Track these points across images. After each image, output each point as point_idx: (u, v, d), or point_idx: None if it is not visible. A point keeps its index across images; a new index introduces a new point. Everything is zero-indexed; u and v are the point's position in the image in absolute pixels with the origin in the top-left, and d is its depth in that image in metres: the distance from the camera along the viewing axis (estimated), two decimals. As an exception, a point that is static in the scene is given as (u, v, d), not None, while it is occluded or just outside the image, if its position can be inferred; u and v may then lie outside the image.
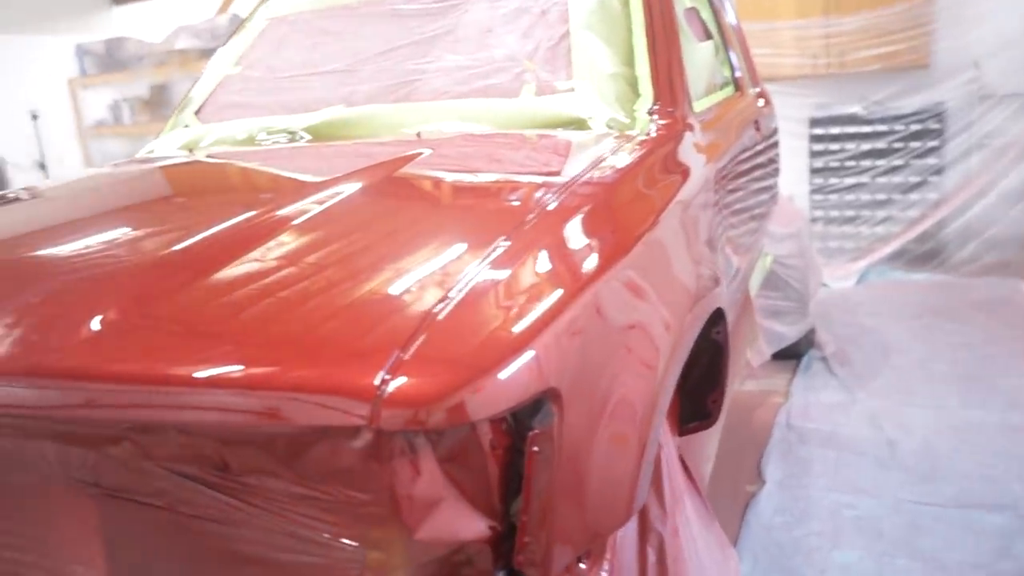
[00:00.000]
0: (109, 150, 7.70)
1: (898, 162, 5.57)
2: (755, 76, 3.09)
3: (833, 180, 5.79)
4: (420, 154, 1.46)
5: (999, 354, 3.94)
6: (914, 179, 5.56)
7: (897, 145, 5.56)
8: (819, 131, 5.79)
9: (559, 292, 0.94)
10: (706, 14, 2.49)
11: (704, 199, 1.62)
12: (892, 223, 5.65)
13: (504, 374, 0.81)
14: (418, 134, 1.70)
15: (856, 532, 2.59)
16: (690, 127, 1.79)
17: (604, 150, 1.45)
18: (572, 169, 1.30)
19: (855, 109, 5.67)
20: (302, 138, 1.80)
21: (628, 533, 1.07)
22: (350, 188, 1.26)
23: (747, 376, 3.50)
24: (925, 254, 5.53)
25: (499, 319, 0.87)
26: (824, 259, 5.74)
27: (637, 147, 1.52)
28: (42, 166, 7.49)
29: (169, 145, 2.02)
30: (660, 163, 1.47)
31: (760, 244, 2.97)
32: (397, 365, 0.80)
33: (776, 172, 3.16)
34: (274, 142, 1.83)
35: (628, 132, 1.64)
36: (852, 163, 5.72)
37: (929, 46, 5.40)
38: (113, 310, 0.92)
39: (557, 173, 1.30)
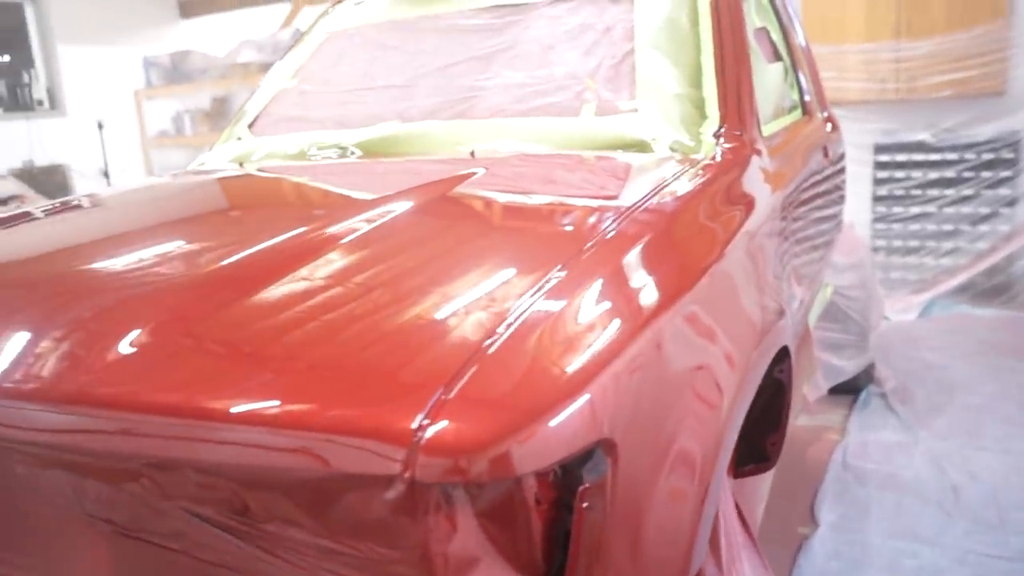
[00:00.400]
0: (170, 160, 7.87)
1: (968, 192, 5.36)
2: (823, 100, 2.98)
3: (897, 209, 5.60)
4: (473, 174, 1.41)
5: (1073, 398, 3.73)
6: (984, 210, 5.34)
7: (967, 175, 5.35)
8: (884, 158, 5.61)
9: (617, 329, 0.87)
10: (776, 34, 2.40)
11: (770, 228, 1.53)
12: (959, 255, 5.43)
13: (556, 422, 0.74)
14: (472, 152, 1.64)
15: (916, 584, 2.45)
16: (758, 152, 1.71)
17: (667, 174, 1.38)
18: (633, 194, 1.23)
19: (923, 136, 5.48)
20: (353, 154, 1.76)
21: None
22: (400, 207, 1.21)
23: (802, 411, 3.37)
24: (993, 288, 5.30)
25: (552, 359, 0.80)
26: (886, 291, 5.54)
27: (702, 172, 1.44)
28: (105, 174, 7.69)
29: (221, 157, 2.01)
30: (726, 190, 1.39)
31: (823, 275, 2.85)
32: (438, 407, 0.73)
33: (842, 199, 3.04)
34: (325, 157, 1.80)
35: (693, 156, 1.56)
36: (918, 192, 5.52)
37: (1006, 72, 5.19)
38: (144, 331, 0.88)
39: (616, 198, 1.23)
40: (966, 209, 5.39)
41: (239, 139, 2.08)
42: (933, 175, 5.44)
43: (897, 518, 2.84)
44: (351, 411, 0.73)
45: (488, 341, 0.81)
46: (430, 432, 0.71)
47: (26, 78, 8.27)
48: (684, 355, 0.95)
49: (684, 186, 1.32)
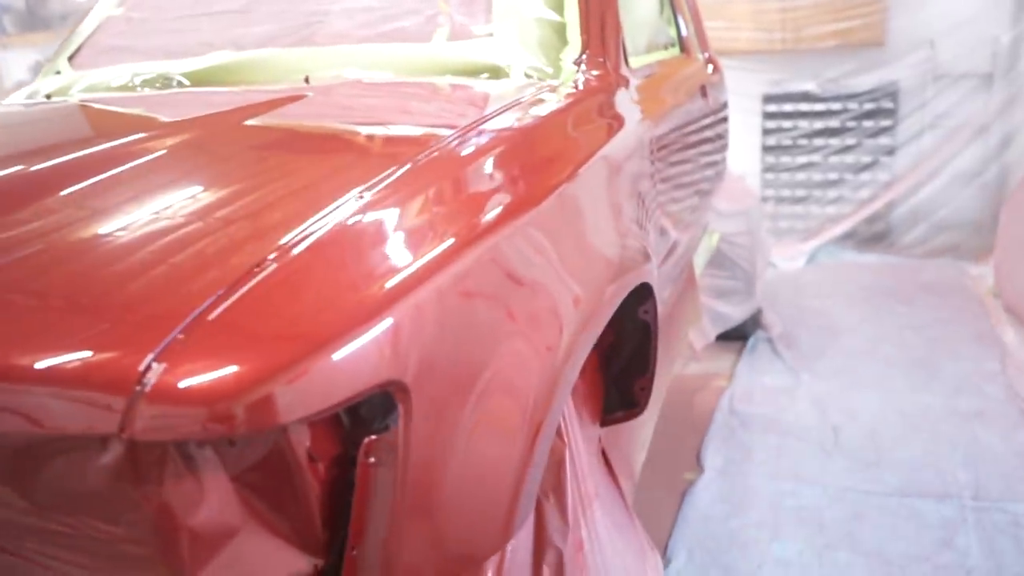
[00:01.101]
0: (33, 112, 7.24)
1: (851, 141, 5.47)
2: (704, 41, 2.92)
3: (785, 159, 5.68)
4: (296, 99, 1.25)
5: (947, 337, 3.86)
6: (866, 159, 5.47)
7: (850, 124, 5.46)
8: (772, 108, 5.66)
9: (422, 256, 0.74)
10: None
11: (637, 162, 1.43)
12: (843, 203, 5.56)
13: (329, 358, 0.61)
14: (306, 79, 1.48)
15: (797, 523, 2.47)
16: (624, 82, 1.60)
17: (516, 98, 1.25)
18: (468, 116, 1.10)
19: (809, 86, 5.55)
20: (180, 85, 1.57)
21: (519, 552, 0.88)
22: (187, 135, 1.04)
23: (690, 358, 3.36)
24: (875, 235, 5.46)
25: (332, 287, 0.67)
26: (774, 239, 5.64)
27: (556, 97, 1.32)
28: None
29: (35, 94, 1.77)
30: (582, 115, 1.28)
31: (704, 220, 2.81)
32: (176, 346, 0.59)
33: (724, 146, 3.00)
34: (148, 89, 1.60)
35: (551, 82, 1.45)
36: (805, 141, 5.61)
37: (884, 24, 5.29)
38: None
39: (449, 120, 1.10)
40: (849, 159, 5.51)
41: (58, 72, 1.85)
42: (819, 125, 5.54)
43: (779, 460, 2.86)
44: (68, 355, 0.58)
45: (257, 269, 0.67)
46: (156, 376, 0.57)
47: None
48: (509, 288, 0.83)
49: (533, 110, 1.20)
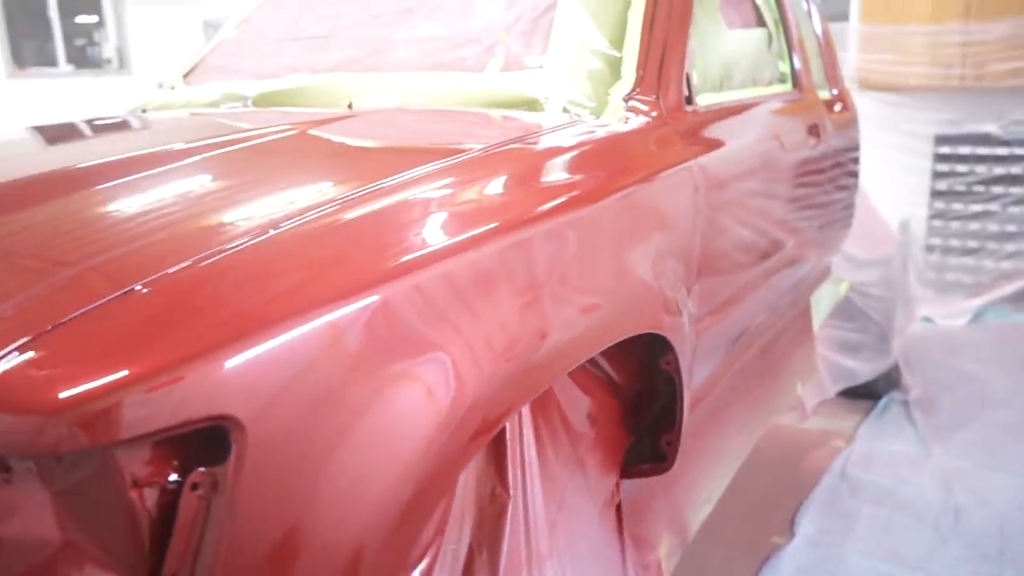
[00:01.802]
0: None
1: (1036, 191, 4.92)
2: (834, 77, 2.72)
3: (957, 206, 5.19)
4: (320, 123, 1.29)
5: (1120, 423, 3.37)
6: (1052, 212, 4.89)
7: (1036, 172, 4.91)
8: (945, 150, 5.20)
9: (292, 294, 0.73)
10: (763, 1, 2.18)
11: (673, 208, 1.35)
12: (1021, 259, 5.00)
13: (157, 382, 0.61)
14: (349, 105, 1.52)
15: (885, 611, 2.23)
16: (682, 119, 1.53)
17: (531, 133, 1.22)
18: (462, 148, 1.08)
19: (990, 128, 5.05)
20: (248, 105, 1.66)
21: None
22: (192, 154, 1.10)
23: (797, 413, 3.12)
24: (1056, 298, 4.86)
25: (172, 319, 0.67)
26: (936, 293, 5.16)
27: (585, 133, 1.28)
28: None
29: (147, 106, 1.94)
30: (607, 153, 1.23)
31: (818, 269, 2.61)
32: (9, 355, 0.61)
33: (850, 187, 2.78)
34: (228, 108, 1.71)
35: (591, 117, 1.40)
36: (981, 188, 5.10)
37: (1085, 61, 4.73)
38: None
39: (440, 153, 1.09)
40: (1033, 209, 4.95)
41: (172, 88, 2.02)
42: (998, 171, 5.02)
43: (884, 536, 2.60)
44: None
45: (120, 291, 0.68)
46: None
47: (97, 37, 8.53)
48: (387, 337, 0.78)
49: (540, 145, 1.16)
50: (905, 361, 4.02)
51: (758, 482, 2.97)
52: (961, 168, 5.15)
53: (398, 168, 0.99)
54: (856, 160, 2.82)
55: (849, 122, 2.74)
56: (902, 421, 3.47)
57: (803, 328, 2.87)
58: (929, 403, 3.61)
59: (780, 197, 1.96)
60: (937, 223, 5.28)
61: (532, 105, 1.42)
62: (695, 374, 1.62)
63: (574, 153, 1.17)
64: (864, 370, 3.40)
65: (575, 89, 1.44)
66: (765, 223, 1.86)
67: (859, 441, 3.28)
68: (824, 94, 2.65)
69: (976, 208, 5.12)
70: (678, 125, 1.49)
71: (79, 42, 8.50)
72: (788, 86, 2.28)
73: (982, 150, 5.07)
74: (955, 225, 5.21)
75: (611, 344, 1.15)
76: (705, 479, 1.92)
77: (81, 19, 8.44)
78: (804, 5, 2.62)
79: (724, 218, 1.61)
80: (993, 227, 5.08)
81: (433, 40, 1.66)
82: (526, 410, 1.10)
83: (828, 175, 2.43)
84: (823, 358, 3.24)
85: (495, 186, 1.00)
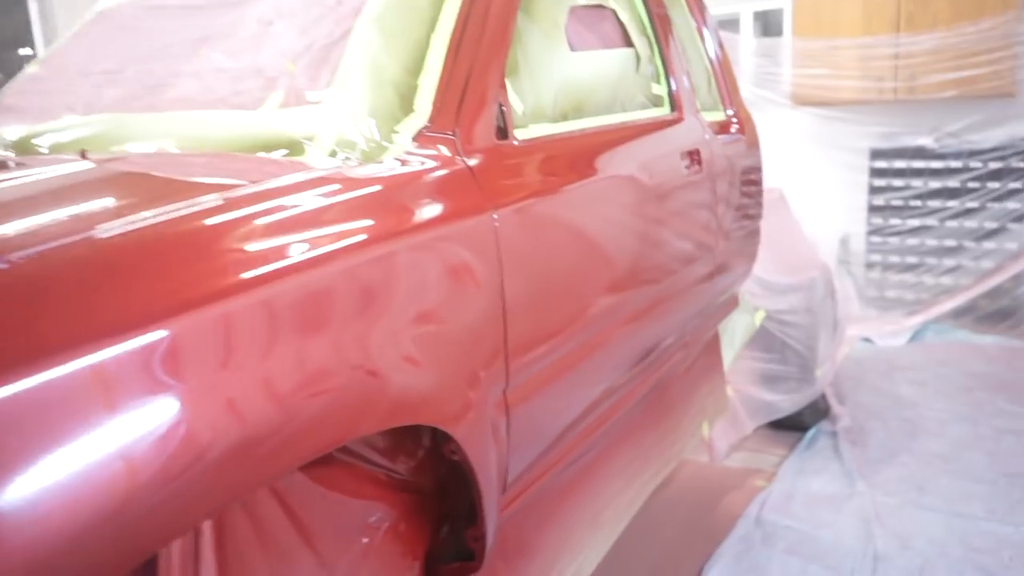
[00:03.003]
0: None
1: (972, 204, 4.79)
2: (730, 98, 2.54)
3: (895, 221, 5.06)
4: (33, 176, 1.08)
5: (1055, 450, 3.21)
6: (990, 225, 4.77)
7: (972, 185, 4.78)
8: (881, 164, 5.07)
9: None
10: (629, 16, 2.00)
11: (451, 263, 1.15)
12: (960, 274, 4.87)
13: None
14: (82, 153, 1.31)
15: None
16: (488, 157, 1.33)
17: (258, 181, 1.01)
18: (163, 206, 0.87)
19: (925, 141, 4.93)
20: (7, 150, 1.45)
21: None
22: None
23: (707, 456, 2.92)
24: (997, 313, 4.72)
25: None
26: (879, 310, 5.02)
27: (334, 182, 1.07)
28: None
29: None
30: (340, 209, 1.02)
31: (709, 301, 2.43)
32: None
33: (750, 212, 2.60)
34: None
35: (366, 159, 1.19)
36: (918, 203, 4.97)
37: (1016, 72, 4.62)
38: None
39: (119, 211, 0.88)
40: (970, 223, 4.82)
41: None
42: (935, 184, 4.89)
43: (795, 592, 2.40)
44: None
45: None
46: None
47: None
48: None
49: (260, 200, 0.96)
50: (836, 389, 3.86)
51: (667, 531, 2.77)
52: (897, 182, 5.03)
53: (50, 235, 0.79)
54: (755, 183, 2.64)
55: (746, 144, 2.56)
56: (829, 454, 3.28)
57: (708, 364, 2.68)
58: (858, 433, 3.43)
59: (641, 232, 1.77)
60: (876, 239, 5.15)
61: (292, 147, 1.21)
62: (523, 450, 1.42)
63: (296, 211, 0.96)
64: (785, 403, 3.22)
65: (354, 127, 1.24)
66: (622, 264, 1.67)
67: (780, 479, 3.08)
68: (717, 115, 2.47)
69: (914, 223, 4.99)
70: (481, 165, 1.29)
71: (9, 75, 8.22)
72: (664, 109, 2.10)
73: (917, 163, 4.95)
74: (894, 240, 5.08)
75: (352, 439, 0.95)
76: (570, 556, 1.71)
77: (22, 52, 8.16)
78: (691, 24, 2.45)
79: (551, 270, 1.41)
80: (931, 242, 4.95)
81: (218, 73, 1.45)
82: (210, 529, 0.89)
83: (718, 202, 2.24)
84: (739, 393, 3.05)
85: (177, 254, 0.80)
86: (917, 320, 4.74)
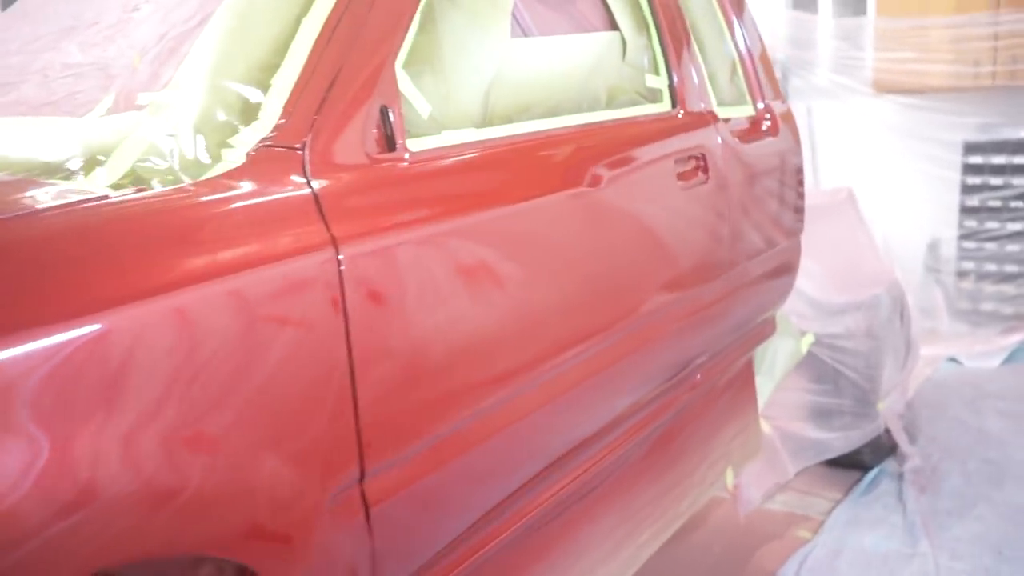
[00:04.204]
0: None
1: (1084, 206, 4.17)
2: (760, 89, 2.13)
3: (991, 224, 4.47)
4: None
5: None
6: (1105, 230, 4.14)
7: (1084, 184, 4.16)
8: (976, 160, 4.48)
9: None
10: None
11: (256, 321, 0.86)
12: (1069, 287, 4.25)
13: None
14: None
15: None
16: (355, 176, 1.03)
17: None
18: None
19: (1028, 133, 4.33)
20: None
21: None
22: None
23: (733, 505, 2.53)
24: (1112, 333, 4.09)
25: None
26: (968, 326, 4.45)
27: (78, 220, 0.79)
28: None
29: None
30: (78, 256, 0.74)
31: (731, 331, 2.05)
32: None
33: (784, 222, 2.18)
34: None
35: (167, 182, 0.90)
36: (1019, 204, 4.37)
37: None
38: None
39: None
40: (1081, 228, 4.20)
41: None
42: (1039, 183, 4.29)
43: None
44: None
45: None
46: None
47: None
48: None
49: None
50: (910, 420, 3.37)
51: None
52: (995, 180, 4.43)
53: None
54: (793, 189, 2.22)
55: (781, 143, 2.15)
56: (891, 502, 2.83)
57: (735, 401, 2.30)
58: (930, 476, 2.96)
59: (597, 260, 1.42)
60: (969, 244, 4.56)
61: (88, 167, 0.94)
62: (407, 554, 1.10)
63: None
64: (837, 441, 2.78)
65: (170, 140, 0.95)
66: (562, 302, 1.33)
67: (828, 530, 2.66)
68: (743, 111, 2.08)
69: (1014, 227, 4.39)
70: (333, 188, 0.99)
71: None
72: (663, 106, 1.74)
73: (1019, 159, 4.34)
74: (990, 246, 4.48)
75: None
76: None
77: None
78: (711, 4, 2.06)
79: (438, 321, 1.09)
80: (1035, 249, 4.34)
81: (64, 70, 1.20)
82: None
83: (733, 214, 1.86)
84: (780, 431, 2.65)
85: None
86: (1014, 339, 4.16)
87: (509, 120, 1.31)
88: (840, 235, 3.21)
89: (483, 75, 1.28)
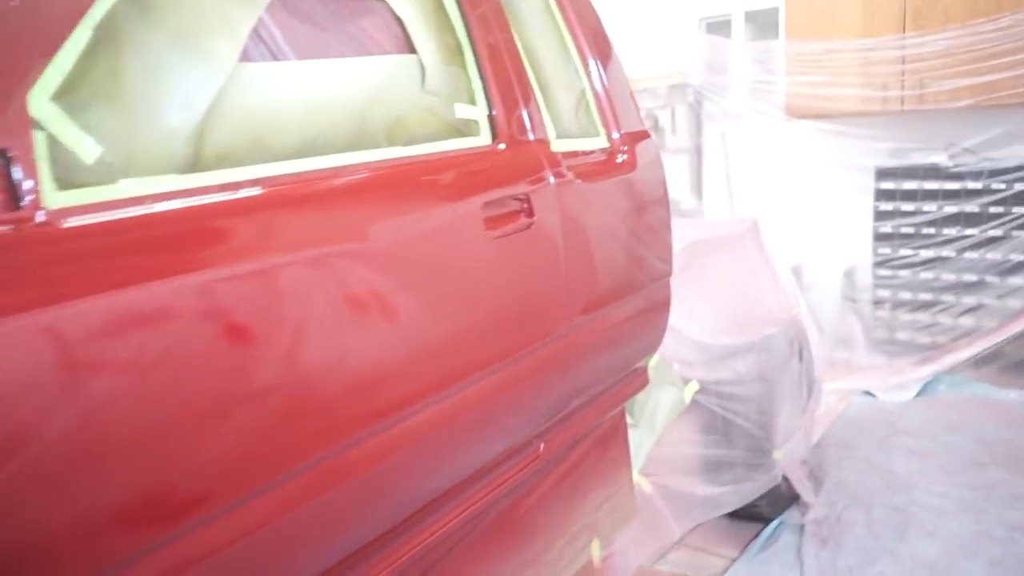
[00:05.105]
0: None
1: (995, 232, 4.07)
2: (615, 118, 1.92)
3: (905, 251, 4.35)
4: None
5: (1080, 560, 2.50)
6: (1017, 256, 4.03)
7: (995, 210, 4.06)
8: (888, 185, 4.38)
9: None
10: (417, 10, 1.41)
11: None
12: (983, 314, 4.14)
13: None
14: None
15: None
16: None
17: None
18: None
19: (938, 158, 4.23)
20: None
21: None
22: None
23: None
24: (1026, 363, 3.99)
25: None
26: (886, 356, 4.32)
27: None
28: None
29: None
30: None
31: (578, 389, 1.82)
32: None
33: (645, 271, 1.96)
34: None
35: None
36: (931, 230, 4.26)
37: (1046, 75, 3.89)
38: None
39: None
40: (993, 255, 4.10)
41: None
42: (951, 209, 4.19)
43: None
44: None
45: None
46: None
47: None
48: None
49: None
50: (817, 462, 3.19)
51: None
52: (907, 206, 4.33)
53: None
54: (656, 225, 2.01)
55: (637, 177, 1.94)
56: (790, 558, 2.63)
57: (602, 463, 2.07)
58: (833, 527, 2.76)
59: (388, 329, 1.18)
60: (884, 272, 4.44)
61: None
62: None
63: None
64: (729, 496, 2.58)
65: None
66: (292, 391, 1.07)
67: (720, 596, 2.45)
68: (593, 142, 1.86)
69: (927, 253, 4.28)
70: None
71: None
72: (481, 139, 1.51)
73: (930, 184, 4.24)
74: (904, 274, 4.36)
75: None
76: None
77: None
78: (555, 24, 1.85)
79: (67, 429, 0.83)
80: (948, 276, 4.22)
81: None
82: None
83: (568, 260, 1.63)
84: (663, 488, 2.42)
85: None
86: (928, 370, 4.02)
87: (237, 162, 1.07)
88: (737, 270, 3.03)
89: (195, 107, 1.03)
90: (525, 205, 1.53)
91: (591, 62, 1.93)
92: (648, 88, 5.16)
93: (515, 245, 1.49)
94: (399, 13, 1.41)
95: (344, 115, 1.26)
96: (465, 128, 1.50)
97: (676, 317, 2.30)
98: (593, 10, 2.05)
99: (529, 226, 1.53)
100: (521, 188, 1.53)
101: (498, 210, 1.46)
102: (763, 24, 5.02)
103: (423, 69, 1.42)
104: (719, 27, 5.13)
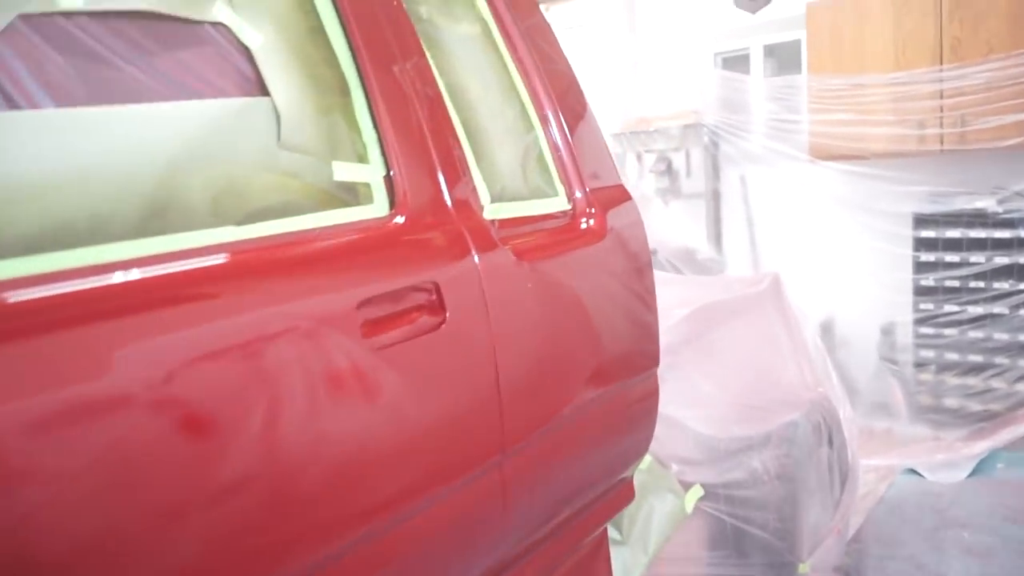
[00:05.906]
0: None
1: (1055, 286, 3.58)
2: (579, 175, 1.50)
3: (951, 307, 3.86)
4: None
5: None
6: (1081, 315, 3.54)
7: (1053, 260, 3.58)
8: (929, 234, 3.91)
9: None
10: (277, 37, 1.04)
11: None
12: (1043, 380, 3.62)
13: None
14: None
15: None
16: None
17: None
18: None
19: (984, 203, 3.76)
20: None
21: None
22: None
23: None
24: (1097, 437, 3.45)
25: None
26: (929, 428, 3.81)
27: None
28: None
29: None
30: None
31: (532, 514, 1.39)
32: None
33: (620, 367, 1.54)
34: None
35: None
36: (980, 284, 3.77)
37: (1106, 109, 3.43)
38: None
39: None
40: (1053, 311, 3.60)
41: None
42: (1002, 260, 3.70)
43: None
44: None
45: None
46: None
47: None
48: None
49: None
50: (855, 565, 2.70)
51: None
52: (951, 257, 3.85)
53: None
54: (635, 305, 1.59)
55: (606, 247, 1.52)
56: None
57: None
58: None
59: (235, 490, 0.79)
60: (926, 330, 3.95)
61: None
62: None
63: None
64: (742, 625, 2.11)
65: None
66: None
67: None
68: (551, 205, 1.47)
69: (976, 310, 3.78)
70: None
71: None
72: (373, 209, 1.12)
73: (976, 232, 3.76)
74: (950, 332, 3.86)
75: None
76: None
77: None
78: (501, 61, 1.47)
79: None
80: (1001, 335, 3.72)
81: None
82: None
83: (520, 359, 1.23)
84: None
85: None
86: (983, 446, 3.50)
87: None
88: (753, 341, 2.59)
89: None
90: (432, 298, 1.13)
91: (546, 104, 1.54)
92: (660, 128, 4.78)
93: (414, 354, 1.08)
94: (245, 41, 1.03)
95: (133, 185, 0.87)
96: (346, 196, 1.11)
97: (675, 405, 1.89)
98: (554, 39, 1.66)
99: (437, 327, 1.12)
100: (424, 276, 1.13)
101: (384, 309, 1.05)
102: (784, 58, 4.63)
103: (277, 116, 1.04)
104: (736, 62, 4.75)
